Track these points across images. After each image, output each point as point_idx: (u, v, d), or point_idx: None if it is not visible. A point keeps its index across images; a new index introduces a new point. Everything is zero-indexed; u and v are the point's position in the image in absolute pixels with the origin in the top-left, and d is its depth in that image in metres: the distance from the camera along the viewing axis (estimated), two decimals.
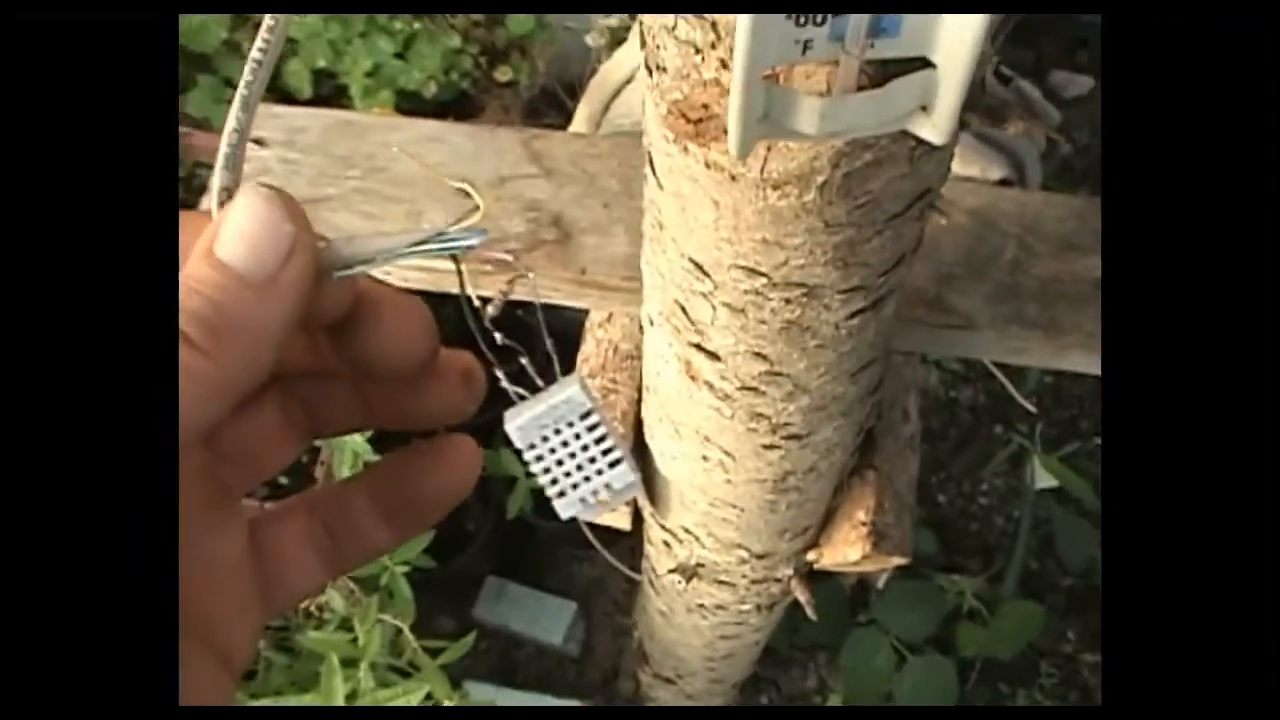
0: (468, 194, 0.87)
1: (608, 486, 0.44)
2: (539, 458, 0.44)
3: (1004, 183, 1.16)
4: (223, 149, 0.38)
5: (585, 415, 0.43)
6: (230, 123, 0.38)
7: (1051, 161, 2.46)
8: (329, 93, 1.98)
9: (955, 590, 2.01)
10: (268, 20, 0.38)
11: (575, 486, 0.44)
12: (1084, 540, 2.09)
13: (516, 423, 0.43)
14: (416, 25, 1.91)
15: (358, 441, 1.32)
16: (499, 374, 0.45)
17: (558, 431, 0.43)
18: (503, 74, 1.99)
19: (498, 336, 0.46)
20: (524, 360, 0.45)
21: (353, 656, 1.29)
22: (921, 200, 0.54)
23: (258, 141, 0.89)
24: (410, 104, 1.94)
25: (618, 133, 1.16)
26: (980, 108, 0.47)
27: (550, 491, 0.44)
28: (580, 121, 1.21)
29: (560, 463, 0.44)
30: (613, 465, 0.44)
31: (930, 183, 0.53)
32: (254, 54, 0.38)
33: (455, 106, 2.00)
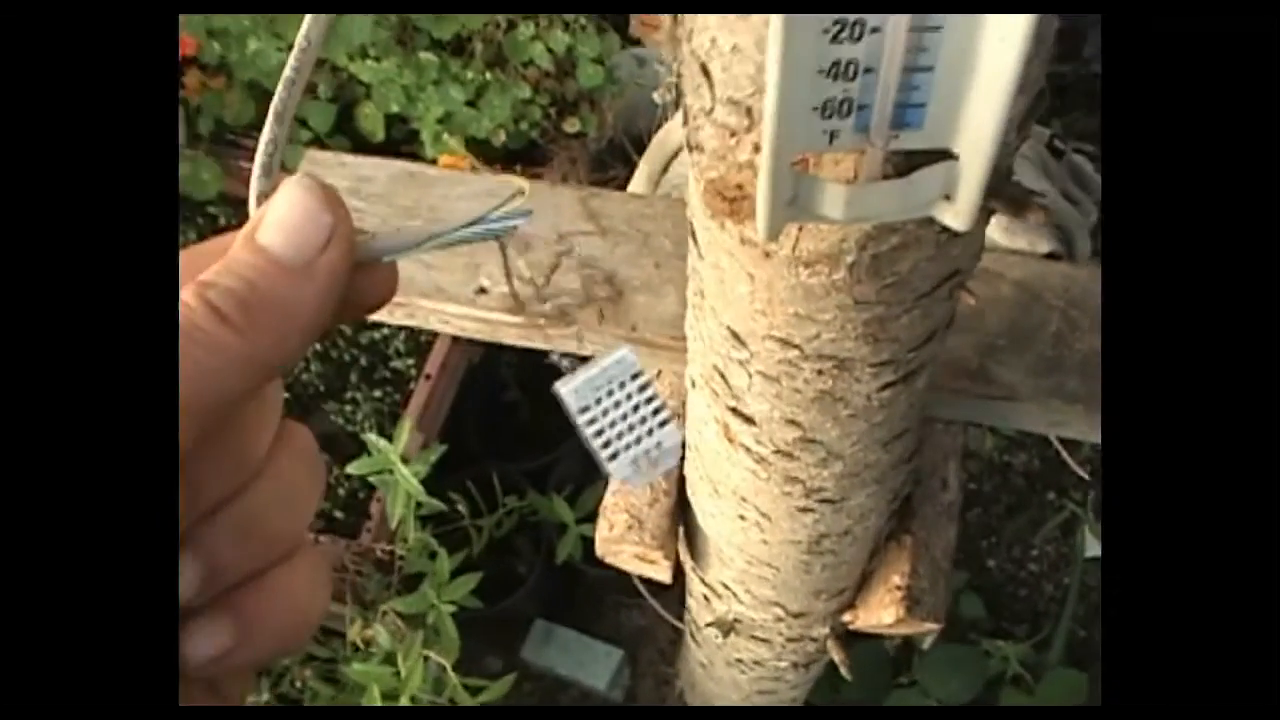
0: (534, 235, 0.90)
1: (658, 445, 0.45)
2: (592, 420, 0.44)
3: (1052, 256, 1.17)
4: (259, 158, 0.40)
5: (636, 376, 0.44)
6: (266, 134, 0.40)
7: None
8: (401, 137, 2.02)
9: (1000, 656, 2.01)
10: (300, 41, 0.40)
11: (628, 447, 0.45)
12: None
13: (571, 386, 0.44)
14: (488, 75, 1.95)
15: (412, 483, 1.34)
16: (550, 348, 0.46)
17: (610, 394, 0.44)
18: (571, 125, 2.02)
19: (547, 305, 0.47)
20: (575, 325, 0.46)
21: (394, 690, 1.31)
22: (950, 281, 0.55)
23: None
24: (479, 152, 1.98)
25: (675, 192, 1.18)
26: (1005, 196, 0.48)
27: (603, 455, 0.45)
28: (640, 181, 1.22)
29: (613, 424, 0.44)
30: (662, 425, 0.45)
31: (959, 264, 0.55)
32: (287, 72, 0.40)
33: (524, 155, 2.03)
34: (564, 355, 0.45)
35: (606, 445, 0.45)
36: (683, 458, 0.90)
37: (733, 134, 0.47)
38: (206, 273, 0.36)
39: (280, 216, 0.37)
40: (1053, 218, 1.22)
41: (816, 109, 0.39)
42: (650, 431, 0.45)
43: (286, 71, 0.41)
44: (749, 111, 0.45)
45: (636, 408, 0.45)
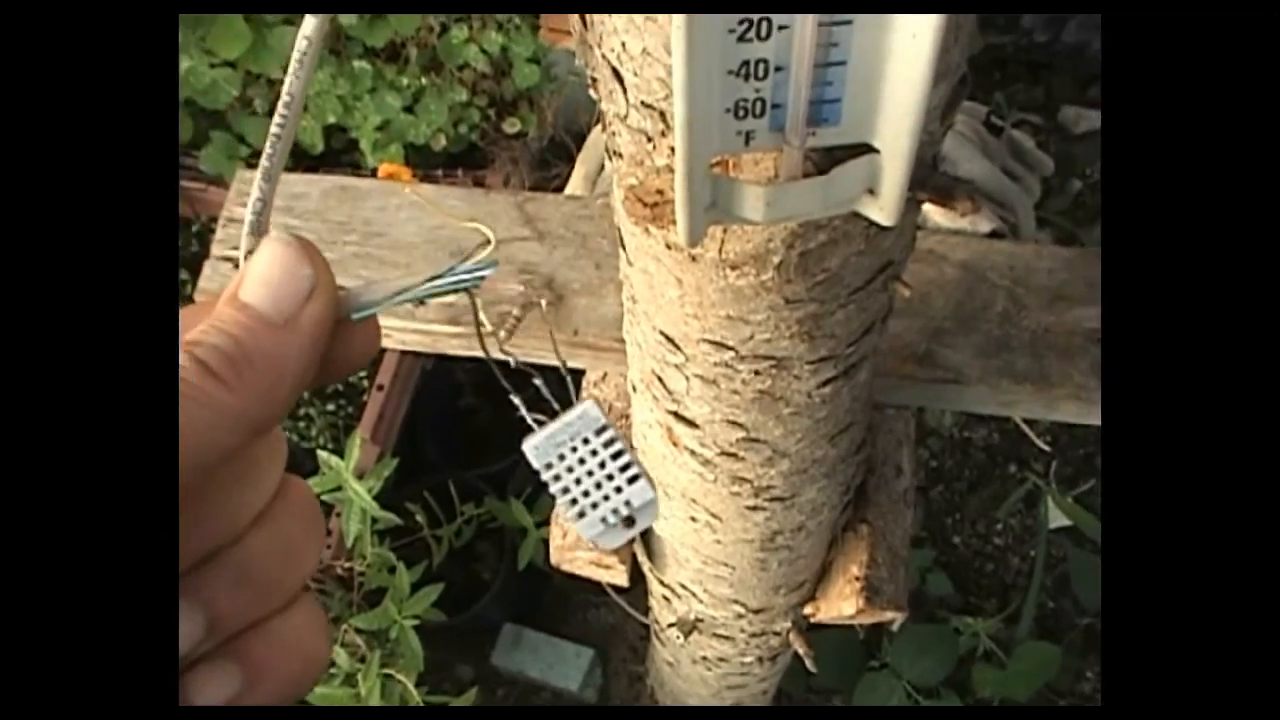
0: (469, 245, 0.89)
1: (627, 504, 0.43)
2: (556, 477, 0.43)
3: (995, 234, 1.16)
4: (248, 216, 0.40)
5: (600, 431, 0.43)
6: (254, 192, 0.40)
7: (1062, 198, 2.47)
8: (341, 147, 2.00)
9: (970, 632, 2.01)
10: (284, 97, 0.40)
11: (595, 506, 0.43)
12: (1100, 579, 2.08)
13: (532, 442, 0.43)
14: (424, 80, 1.93)
15: (365, 499, 1.33)
16: (516, 401, 0.45)
17: (574, 449, 0.43)
18: (511, 126, 2.00)
19: (512, 360, 0.46)
20: (538, 382, 0.45)
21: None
22: (883, 273, 0.54)
23: None
24: (419, 158, 1.96)
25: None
26: (930, 185, 0.47)
27: (569, 514, 0.44)
28: (577, 182, 1.21)
29: (579, 481, 0.43)
30: (631, 482, 0.43)
31: (891, 256, 0.54)
32: (273, 129, 0.40)
33: (464, 159, 2.01)
34: (521, 362, 0.44)
35: (574, 504, 0.43)
36: None
37: (649, 139, 0.46)
38: (193, 332, 0.37)
39: (261, 273, 0.38)
40: (980, 205, 1.22)
41: (729, 110, 0.38)
42: (619, 489, 0.43)
43: (272, 129, 0.40)
44: (663, 116, 0.44)
45: (603, 464, 0.43)
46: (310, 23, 0.41)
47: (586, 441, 0.43)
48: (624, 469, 0.43)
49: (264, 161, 0.40)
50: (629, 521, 0.44)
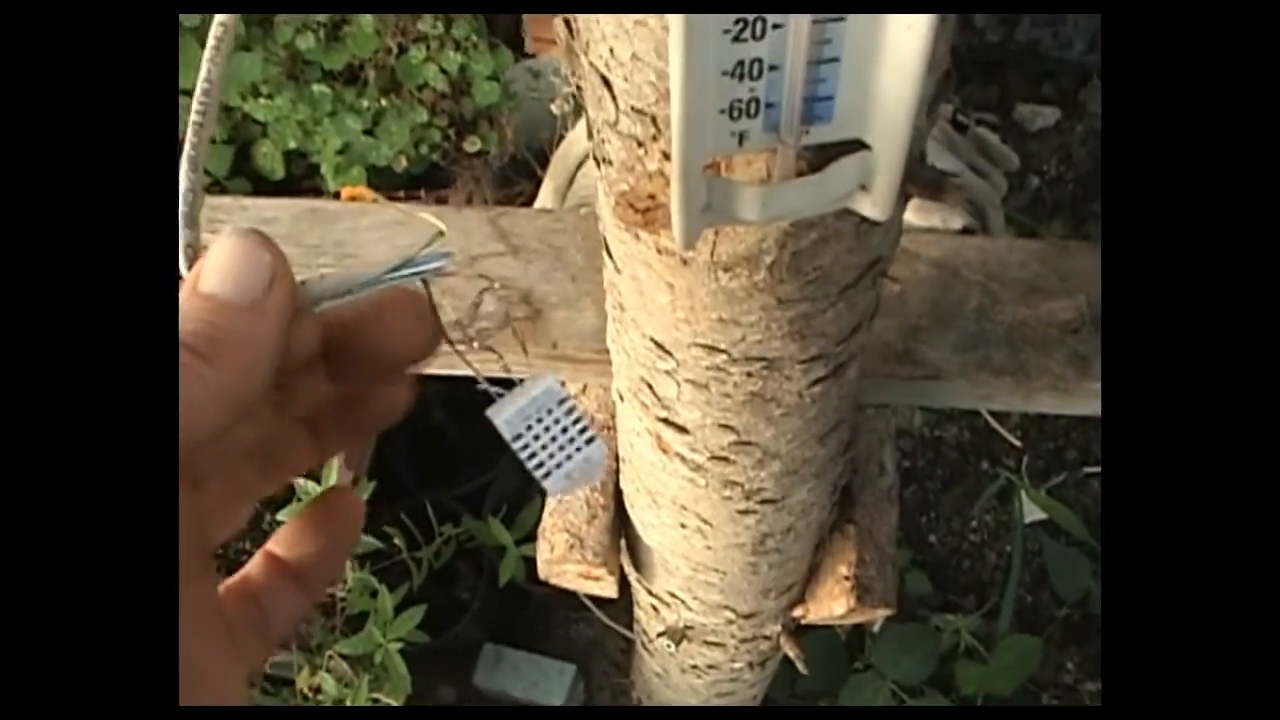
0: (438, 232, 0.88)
1: (586, 460, 0.47)
2: (525, 445, 0.47)
3: (966, 231, 1.17)
4: (181, 209, 0.40)
5: (562, 401, 0.47)
6: (183, 183, 0.40)
7: (1021, 195, 2.48)
8: (301, 173, 1.99)
9: (951, 629, 2.01)
10: (201, 84, 0.40)
11: (559, 465, 0.47)
12: (1076, 571, 2.09)
13: (503, 416, 0.46)
14: (383, 102, 1.93)
15: None
16: (482, 383, 0.49)
17: (540, 420, 0.46)
18: (471, 145, 2.00)
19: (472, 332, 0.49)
20: (502, 359, 0.49)
21: None
22: (872, 269, 0.55)
23: None
24: (381, 180, 1.95)
25: (582, 204, 1.16)
26: (919, 181, 0.48)
27: (537, 474, 0.47)
28: (546, 196, 1.21)
29: (544, 446, 0.47)
30: (589, 441, 0.47)
31: (880, 252, 0.54)
32: (194, 119, 0.40)
33: (427, 179, 2.01)
34: (488, 379, 0.46)
35: (539, 466, 0.47)
36: (618, 471, 0.89)
37: (640, 144, 0.46)
38: None
39: (221, 264, 0.38)
40: (966, 194, 1.23)
41: (724, 111, 0.38)
42: (579, 449, 0.47)
43: (192, 117, 0.41)
44: (654, 120, 0.44)
45: (565, 429, 0.47)
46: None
47: (550, 412, 0.47)
48: (582, 431, 0.47)
49: (188, 150, 0.40)
50: (586, 475, 0.48)
